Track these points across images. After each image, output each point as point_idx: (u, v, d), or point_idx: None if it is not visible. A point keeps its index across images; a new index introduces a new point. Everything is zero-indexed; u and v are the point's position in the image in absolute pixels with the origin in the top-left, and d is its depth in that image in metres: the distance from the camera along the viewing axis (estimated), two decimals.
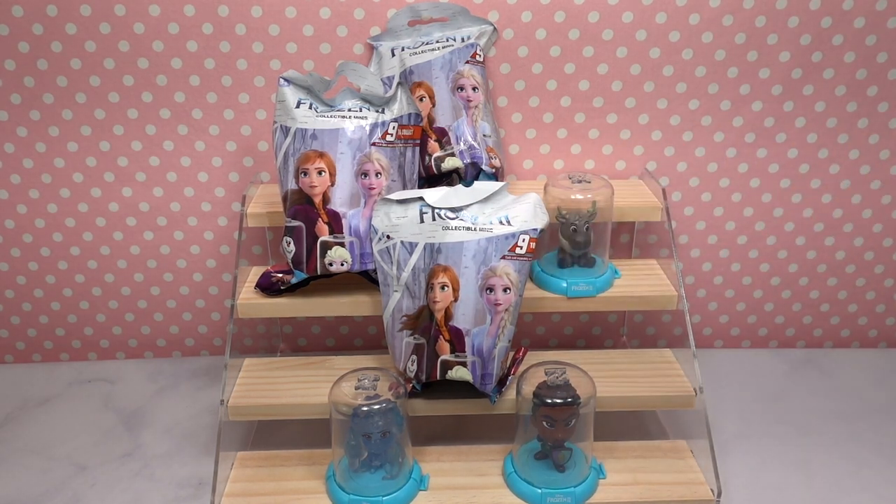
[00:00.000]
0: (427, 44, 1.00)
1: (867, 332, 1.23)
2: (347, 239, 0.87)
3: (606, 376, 0.91)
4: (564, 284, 0.93)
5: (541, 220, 0.86)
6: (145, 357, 1.22)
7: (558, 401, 0.79)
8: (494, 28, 1.01)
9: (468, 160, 0.96)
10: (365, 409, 0.79)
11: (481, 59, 0.99)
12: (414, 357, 0.85)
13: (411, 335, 0.86)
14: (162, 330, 1.20)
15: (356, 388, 0.81)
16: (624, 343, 1.21)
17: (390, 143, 0.88)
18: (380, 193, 0.87)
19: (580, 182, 0.94)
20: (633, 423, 1.03)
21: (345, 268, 0.88)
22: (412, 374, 0.85)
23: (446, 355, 0.83)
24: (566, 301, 0.93)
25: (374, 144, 0.87)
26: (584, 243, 0.93)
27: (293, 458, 0.90)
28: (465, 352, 0.82)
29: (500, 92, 1.05)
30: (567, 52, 1.02)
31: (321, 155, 0.86)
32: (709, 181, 1.10)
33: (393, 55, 1.00)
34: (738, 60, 1.03)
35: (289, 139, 0.87)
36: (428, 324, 0.84)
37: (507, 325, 0.84)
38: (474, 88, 0.98)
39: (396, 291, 0.87)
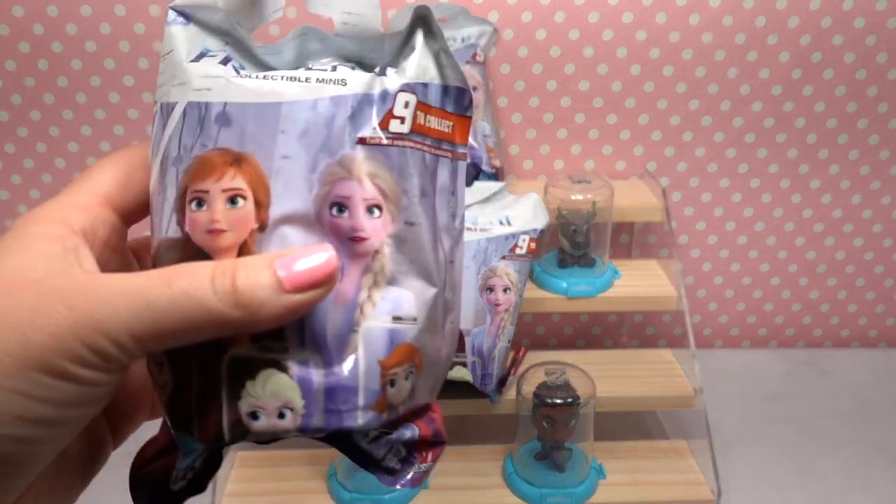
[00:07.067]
0: None
1: (867, 332, 1.23)
2: (294, 354, 0.31)
3: (606, 376, 0.91)
4: (564, 285, 0.93)
5: (541, 221, 0.86)
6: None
7: (558, 401, 0.80)
8: (495, 28, 1.01)
9: (468, 160, 0.96)
10: None
11: (481, 60, 0.99)
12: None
13: None
14: None
15: None
16: (624, 343, 1.22)
17: (397, 137, 0.32)
18: (377, 251, 0.33)
19: (580, 182, 0.94)
20: (633, 423, 1.03)
21: (287, 423, 0.32)
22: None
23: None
24: (566, 301, 0.93)
25: (362, 141, 0.31)
26: (584, 243, 0.93)
27: (294, 458, 0.90)
28: (464, 352, 0.82)
29: (500, 92, 1.05)
30: (567, 52, 1.02)
31: (243, 161, 0.31)
32: (709, 181, 1.11)
33: None
34: (738, 60, 1.03)
35: (172, 124, 0.33)
36: None
37: (507, 326, 0.84)
38: (474, 88, 0.98)
39: None
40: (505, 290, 0.83)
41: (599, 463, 0.87)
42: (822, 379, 1.15)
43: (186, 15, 0.36)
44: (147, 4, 0.98)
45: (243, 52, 0.36)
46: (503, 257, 0.83)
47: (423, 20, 0.35)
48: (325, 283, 0.27)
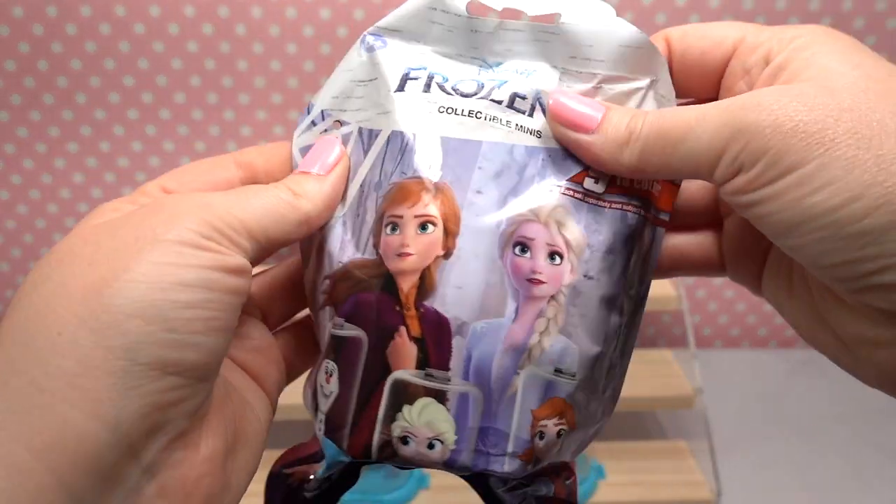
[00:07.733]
0: None
1: None
2: (456, 386, 0.31)
3: None
4: None
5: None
6: None
7: None
8: None
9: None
10: None
11: None
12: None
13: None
14: None
15: None
16: None
17: (589, 195, 0.33)
18: (553, 297, 0.32)
19: None
20: (633, 423, 1.03)
21: (435, 454, 0.31)
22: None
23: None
24: None
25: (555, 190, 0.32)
26: None
27: None
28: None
29: None
30: None
31: (439, 190, 0.32)
32: None
33: None
34: None
35: (375, 151, 0.34)
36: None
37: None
38: None
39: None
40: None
41: (599, 463, 0.87)
42: (822, 379, 1.15)
43: (384, 38, 0.35)
44: (147, 4, 0.98)
45: (447, 56, 0.35)
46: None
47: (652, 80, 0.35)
48: (338, 161, 0.34)
